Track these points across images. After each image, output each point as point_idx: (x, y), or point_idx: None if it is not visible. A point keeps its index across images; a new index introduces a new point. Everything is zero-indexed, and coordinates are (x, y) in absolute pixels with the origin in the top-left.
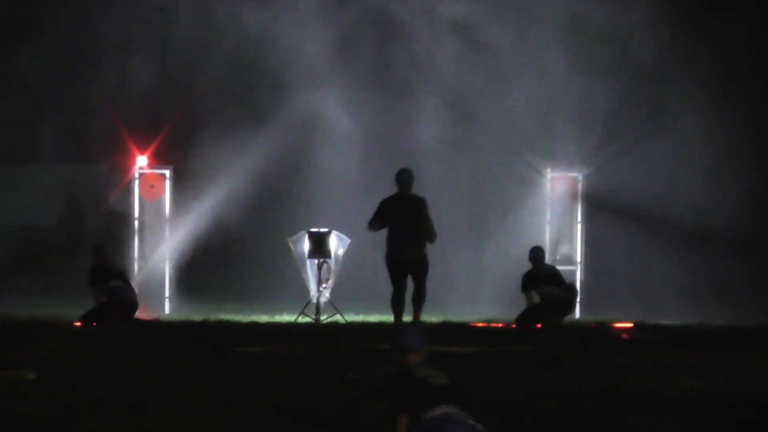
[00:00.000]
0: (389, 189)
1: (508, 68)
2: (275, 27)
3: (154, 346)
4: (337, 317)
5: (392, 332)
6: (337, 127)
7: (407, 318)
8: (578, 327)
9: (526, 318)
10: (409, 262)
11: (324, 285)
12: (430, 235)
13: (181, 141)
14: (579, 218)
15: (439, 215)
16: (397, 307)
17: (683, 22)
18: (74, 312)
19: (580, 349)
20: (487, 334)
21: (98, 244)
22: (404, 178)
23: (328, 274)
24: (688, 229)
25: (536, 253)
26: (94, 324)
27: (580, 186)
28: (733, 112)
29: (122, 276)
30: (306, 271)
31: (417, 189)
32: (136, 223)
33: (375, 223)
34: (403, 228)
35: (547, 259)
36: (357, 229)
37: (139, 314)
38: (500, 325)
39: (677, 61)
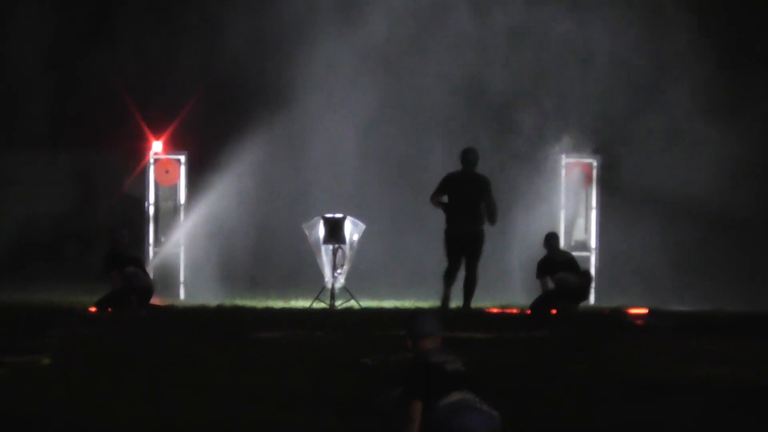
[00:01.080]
0: (404, 173)
1: (524, 51)
2: (289, 11)
3: (169, 331)
4: (352, 303)
5: (407, 318)
6: (352, 111)
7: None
8: (593, 313)
9: (540, 304)
10: (467, 239)
11: (339, 271)
12: (492, 213)
13: (196, 126)
14: (594, 204)
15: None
16: (448, 282)
17: (708, 6)
18: (90, 297)
19: (595, 336)
20: (502, 320)
21: (115, 229)
22: (470, 156)
23: (343, 259)
24: (705, 214)
25: (551, 240)
26: (110, 309)
27: (595, 171)
28: (754, 97)
29: (138, 262)
30: (321, 257)
31: (429, 173)
32: (151, 208)
33: (436, 196)
34: (465, 204)
35: (562, 245)
36: (372, 215)
37: (154, 300)
38: (515, 311)
39: (699, 45)
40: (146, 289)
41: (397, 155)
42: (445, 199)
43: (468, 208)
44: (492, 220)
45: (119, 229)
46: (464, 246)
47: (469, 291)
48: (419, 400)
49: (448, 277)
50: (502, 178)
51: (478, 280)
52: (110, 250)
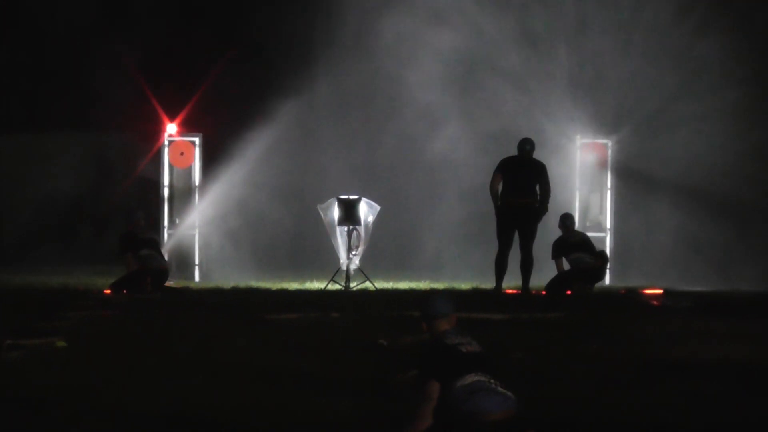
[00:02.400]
0: (416, 152)
1: (537, 32)
2: None
3: (184, 313)
4: (367, 284)
5: (420, 300)
6: (366, 91)
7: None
8: (608, 294)
9: (556, 284)
10: (521, 213)
11: (354, 252)
12: (545, 196)
13: (211, 108)
14: (609, 185)
15: (465, 180)
16: (500, 272)
17: None
18: (105, 280)
19: (610, 316)
20: (518, 300)
21: (130, 212)
22: (527, 145)
23: (358, 241)
24: (720, 194)
25: (566, 220)
26: (125, 292)
27: (609, 152)
28: None
29: (153, 244)
30: (336, 239)
31: (447, 152)
32: (166, 190)
33: (495, 180)
34: (521, 181)
35: (577, 226)
36: (387, 196)
37: (169, 282)
38: (531, 291)
39: (711, 26)
40: (161, 271)
41: (411, 136)
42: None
43: (523, 185)
44: (544, 203)
45: (134, 211)
46: (517, 221)
47: (526, 272)
48: (437, 381)
49: (501, 263)
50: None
51: (533, 259)
52: (125, 233)
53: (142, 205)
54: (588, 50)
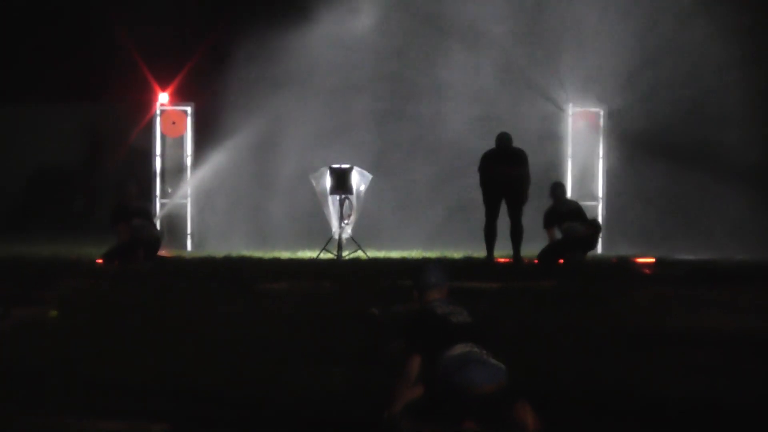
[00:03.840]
0: (407, 124)
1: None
2: None
3: (176, 283)
4: (359, 253)
5: (413, 269)
6: (359, 61)
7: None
8: (600, 262)
9: (548, 253)
10: (507, 179)
11: (346, 221)
12: (526, 183)
13: (203, 77)
14: (601, 153)
15: (460, 150)
16: (490, 241)
17: None
18: (96, 250)
19: (602, 285)
20: (509, 270)
21: (123, 182)
22: (506, 139)
23: (350, 210)
24: (712, 162)
25: (557, 189)
26: (116, 262)
27: (602, 121)
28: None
29: (145, 214)
30: (328, 208)
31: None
32: (158, 160)
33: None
34: (503, 161)
35: (569, 195)
36: (379, 165)
37: (161, 252)
38: (523, 260)
39: None
40: (153, 241)
41: (402, 105)
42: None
43: (506, 161)
44: (524, 192)
45: (126, 182)
46: (504, 190)
47: (516, 241)
48: (418, 354)
49: (490, 233)
50: (510, 127)
51: (522, 228)
52: (117, 203)
53: (134, 175)
54: (581, 17)
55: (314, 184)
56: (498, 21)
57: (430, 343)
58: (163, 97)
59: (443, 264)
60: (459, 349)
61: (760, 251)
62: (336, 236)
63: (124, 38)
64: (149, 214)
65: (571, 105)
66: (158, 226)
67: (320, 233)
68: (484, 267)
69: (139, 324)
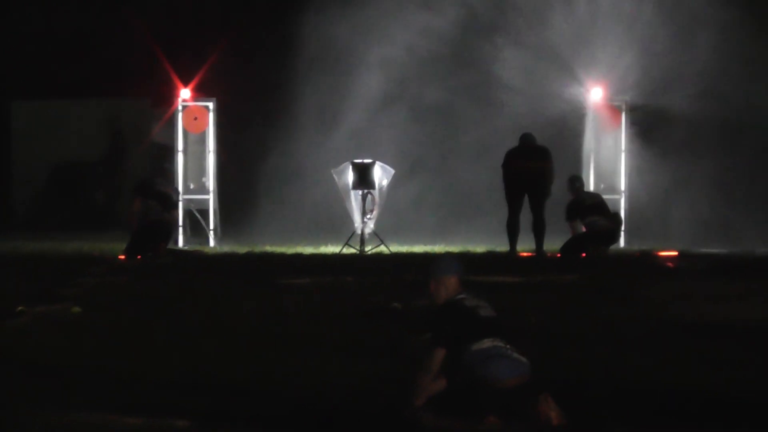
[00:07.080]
0: (431, 117)
1: None
2: None
3: (198, 278)
4: (382, 248)
5: (429, 263)
6: (380, 55)
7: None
8: (623, 256)
9: (570, 247)
10: (530, 174)
11: (368, 216)
12: (550, 179)
13: (224, 73)
14: (623, 146)
15: (480, 142)
16: (513, 237)
17: None
18: (118, 245)
19: (625, 278)
20: (532, 263)
21: (161, 157)
22: (530, 138)
23: (373, 205)
24: (735, 156)
25: (575, 182)
26: (138, 257)
27: (624, 114)
28: None
29: (164, 198)
30: (350, 203)
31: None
32: (180, 155)
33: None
34: (528, 155)
35: (592, 188)
36: (401, 160)
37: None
38: (546, 254)
39: None
40: (161, 224)
41: (426, 100)
42: None
43: (531, 155)
44: (547, 187)
45: (164, 162)
46: (527, 184)
47: (539, 235)
48: (443, 347)
49: (512, 227)
50: (531, 122)
51: (545, 222)
52: (147, 177)
53: (158, 171)
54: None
55: (336, 178)
56: (521, 11)
57: (457, 336)
58: (184, 93)
59: (459, 257)
60: (486, 343)
61: None
62: (358, 231)
63: (146, 33)
64: (168, 201)
65: (593, 98)
66: (178, 217)
67: (343, 228)
68: (507, 261)
69: (161, 320)
